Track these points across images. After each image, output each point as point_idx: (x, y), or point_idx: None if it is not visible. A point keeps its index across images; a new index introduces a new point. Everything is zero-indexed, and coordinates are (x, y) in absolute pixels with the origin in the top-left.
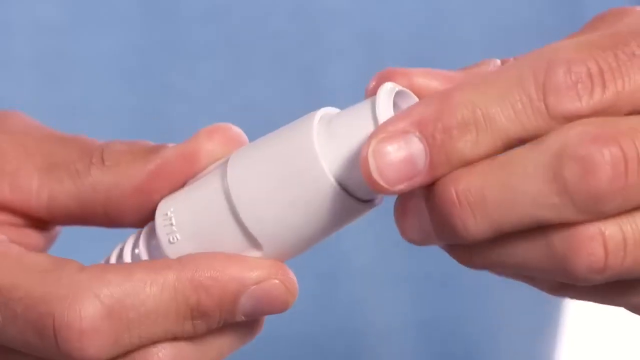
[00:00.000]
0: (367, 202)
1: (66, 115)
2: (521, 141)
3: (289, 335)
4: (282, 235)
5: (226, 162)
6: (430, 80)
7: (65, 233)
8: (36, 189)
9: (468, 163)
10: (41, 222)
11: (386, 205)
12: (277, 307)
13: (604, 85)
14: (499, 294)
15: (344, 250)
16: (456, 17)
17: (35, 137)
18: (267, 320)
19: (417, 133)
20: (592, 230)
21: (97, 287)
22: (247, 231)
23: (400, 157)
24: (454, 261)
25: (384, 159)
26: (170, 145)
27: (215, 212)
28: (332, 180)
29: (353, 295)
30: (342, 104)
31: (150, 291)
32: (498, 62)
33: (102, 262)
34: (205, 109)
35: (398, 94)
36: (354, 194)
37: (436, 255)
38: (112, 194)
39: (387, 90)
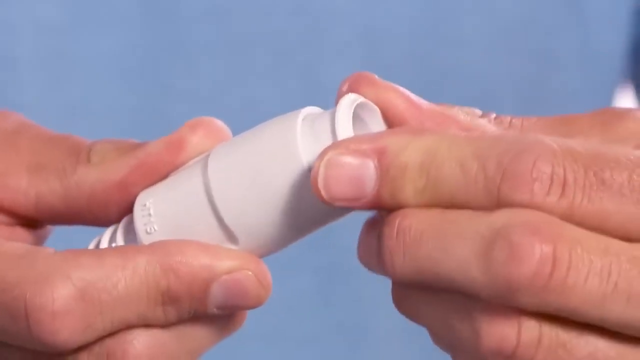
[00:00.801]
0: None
1: (66, 115)
2: (463, 207)
3: (286, 332)
4: (259, 231)
5: (208, 155)
6: (396, 98)
7: (58, 232)
8: (25, 188)
9: (410, 206)
10: (31, 220)
11: None
12: (249, 300)
13: (561, 194)
14: None
15: (344, 246)
16: (456, 16)
17: (26, 137)
18: (265, 316)
19: (375, 160)
20: (511, 315)
21: (70, 270)
22: (225, 225)
23: (350, 175)
24: None
25: (334, 172)
26: (154, 140)
27: (194, 205)
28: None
29: (352, 292)
30: None
31: (122, 274)
32: (478, 112)
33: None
34: (205, 108)
35: (361, 106)
36: None
37: None
38: (96, 190)
39: (347, 103)
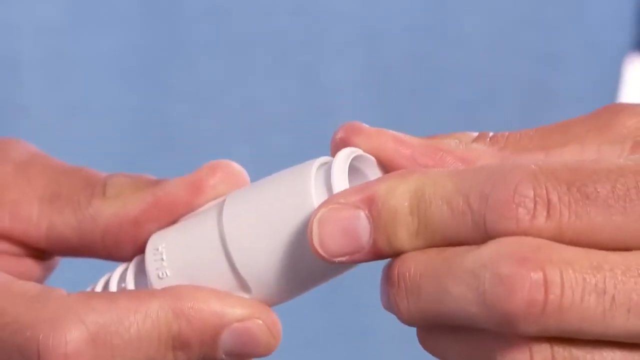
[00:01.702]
0: None
1: (67, 115)
2: (460, 243)
3: (286, 336)
4: (272, 281)
5: (223, 202)
6: (386, 142)
7: (64, 262)
8: (36, 219)
9: (407, 250)
10: (40, 252)
11: None
12: (259, 348)
13: (547, 216)
14: None
15: None
16: (456, 16)
17: (38, 167)
18: None
19: (366, 210)
20: (521, 342)
21: (83, 313)
22: (238, 273)
23: (343, 229)
24: None
25: (328, 229)
26: (172, 179)
27: (207, 252)
28: None
29: (353, 296)
30: (343, 104)
31: (135, 318)
32: (473, 135)
33: (88, 289)
34: (205, 108)
35: (357, 159)
36: None
37: None
38: (110, 225)
39: (342, 158)
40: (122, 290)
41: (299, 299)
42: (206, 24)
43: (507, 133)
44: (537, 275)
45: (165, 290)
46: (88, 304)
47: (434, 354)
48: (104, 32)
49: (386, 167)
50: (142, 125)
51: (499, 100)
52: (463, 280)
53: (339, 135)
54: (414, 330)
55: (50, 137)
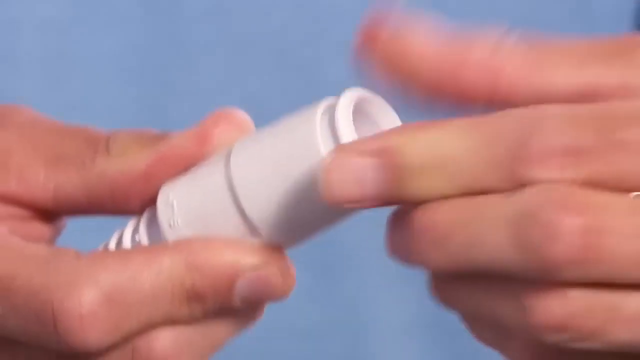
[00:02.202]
0: None
1: (68, 114)
2: (487, 192)
3: (284, 327)
4: (283, 224)
5: (230, 150)
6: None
7: (71, 224)
8: (42, 181)
9: (419, 202)
10: (48, 213)
11: None
12: (275, 294)
13: (577, 164)
14: None
15: (343, 241)
16: (458, 14)
17: (41, 130)
18: (264, 310)
19: (379, 159)
20: (556, 288)
21: (95, 273)
22: (247, 219)
23: (356, 179)
24: None
25: (338, 174)
26: (177, 132)
27: (217, 199)
28: None
29: (351, 287)
30: None
31: (148, 275)
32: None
33: (101, 246)
34: (207, 106)
35: (362, 101)
36: None
37: None
38: (118, 182)
39: (347, 101)
40: (134, 246)
41: (295, 292)
42: (206, 24)
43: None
44: (578, 221)
45: (177, 244)
46: (100, 264)
47: (449, 304)
48: (105, 30)
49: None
50: (144, 123)
51: None
52: (500, 227)
53: (359, 41)
54: (412, 323)
55: None
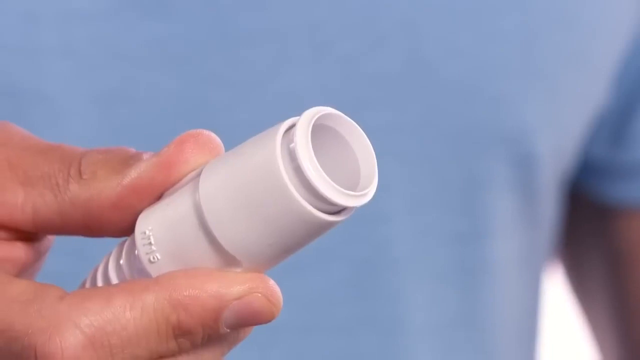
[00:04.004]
0: (339, 213)
1: (104, 104)
2: None
3: (319, 323)
4: (259, 250)
5: (198, 180)
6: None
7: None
8: (21, 203)
9: None
10: (30, 235)
11: (429, 197)
12: (261, 318)
13: None
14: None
15: (380, 238)
16: (494, 12)
17: (16, 150)
18: (298, 306)
19: None
20: None
21: (77, 317)
22: (223, 249)
23: None
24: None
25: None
26: (145, 156)
27: (190, 230)
28: (300, 201)
29: (386, 284)
30: (382, 95)
31: (131, 315)
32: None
33: (88, 278)
34: (246, 97)
35: (326, 117)
36: (323, 209)
37: (478, 249)
38: (90, 209)
39: (305, 121)
40: (119, 280)
41: (331, 288)
42: (249, 12)
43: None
44: None
45: (159, 280)
46: (82, 306)
47: None
48: (147, 19)
49: None
50: (183, 112)
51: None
52: None
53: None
54: (444, 322)
55: (89, 125)
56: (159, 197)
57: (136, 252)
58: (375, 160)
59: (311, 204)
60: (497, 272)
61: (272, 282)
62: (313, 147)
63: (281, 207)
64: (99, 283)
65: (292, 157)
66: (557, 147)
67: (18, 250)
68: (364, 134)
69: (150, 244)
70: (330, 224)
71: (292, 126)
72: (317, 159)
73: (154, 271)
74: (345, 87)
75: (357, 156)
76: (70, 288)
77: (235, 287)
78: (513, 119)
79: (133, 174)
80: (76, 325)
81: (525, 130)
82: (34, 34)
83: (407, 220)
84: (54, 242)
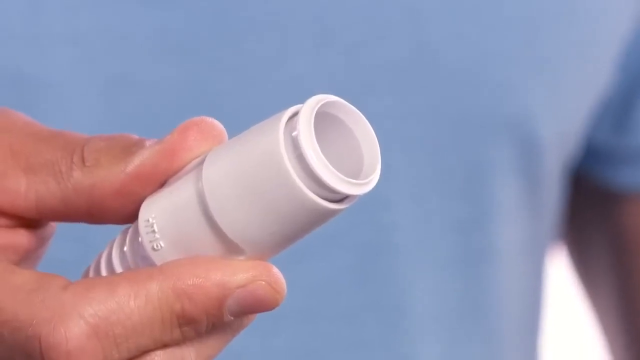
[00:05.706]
0: (342, 201)
1: (111, 90)
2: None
3: (322, 310)
4: (262, 238)
5: (201, 168)
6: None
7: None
8: (24, 190)
9: None
10: (32, 221)
11: (433, 184)
12: (265, 306)
13: None
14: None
15: (384, 224)
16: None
17: (19, 136)
18: (301, 293)
19: None
20: None
21: (81, 307)
22: (228, 239)
23: None
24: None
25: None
26: (148, 143)
27: (193, 218)
28: (303, 189)
29: (390, 270)
30: (385, 82)
31: (135, 304)
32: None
33: (92, 265)
34: (251, 85)
35: (329, 104)
36: (326, 197)
37: (487, 235)
38: (93, 196)
39: (308, 109)
40: (124, 268)
41: (334, 275)
42: (252, 2)
43: None
44: None
45: (162, 269)
46: (86, 296)
47: None
48: (152, 7)
49: None
50: (188, 100)
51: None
52: None
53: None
54: (447, 308)
55: (94, 112)
56: (162, 185)
57: (140, 239)
58: (379, 148)
59: (314, 192)
60: (500, 258)
61: (275, 270)
62: (316, 134)
63: (284, 195)
64: (103, 271)
65: (295, 145)
66: (561, 133)
67: (21, 237)
68: (368, 121)
69: (153, 231)
70: (333, 212)
71: (296, 114)
72: (320, 147)
73: (157, 259)
74: (348, 74)
75: (360, 144)
76: (73, 275)
77: (238, 275)
78: (517, 105)
79: (136, 161)
80: (80, 315)
81: (528, 116)
82: (39, 22)
83: (411, 206)
84: (56, 229)
